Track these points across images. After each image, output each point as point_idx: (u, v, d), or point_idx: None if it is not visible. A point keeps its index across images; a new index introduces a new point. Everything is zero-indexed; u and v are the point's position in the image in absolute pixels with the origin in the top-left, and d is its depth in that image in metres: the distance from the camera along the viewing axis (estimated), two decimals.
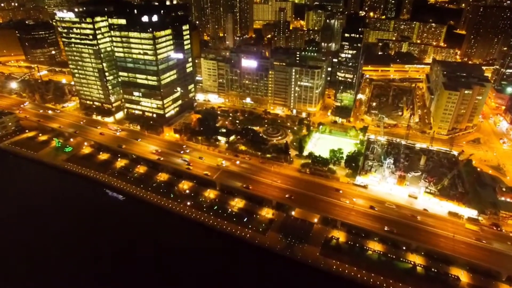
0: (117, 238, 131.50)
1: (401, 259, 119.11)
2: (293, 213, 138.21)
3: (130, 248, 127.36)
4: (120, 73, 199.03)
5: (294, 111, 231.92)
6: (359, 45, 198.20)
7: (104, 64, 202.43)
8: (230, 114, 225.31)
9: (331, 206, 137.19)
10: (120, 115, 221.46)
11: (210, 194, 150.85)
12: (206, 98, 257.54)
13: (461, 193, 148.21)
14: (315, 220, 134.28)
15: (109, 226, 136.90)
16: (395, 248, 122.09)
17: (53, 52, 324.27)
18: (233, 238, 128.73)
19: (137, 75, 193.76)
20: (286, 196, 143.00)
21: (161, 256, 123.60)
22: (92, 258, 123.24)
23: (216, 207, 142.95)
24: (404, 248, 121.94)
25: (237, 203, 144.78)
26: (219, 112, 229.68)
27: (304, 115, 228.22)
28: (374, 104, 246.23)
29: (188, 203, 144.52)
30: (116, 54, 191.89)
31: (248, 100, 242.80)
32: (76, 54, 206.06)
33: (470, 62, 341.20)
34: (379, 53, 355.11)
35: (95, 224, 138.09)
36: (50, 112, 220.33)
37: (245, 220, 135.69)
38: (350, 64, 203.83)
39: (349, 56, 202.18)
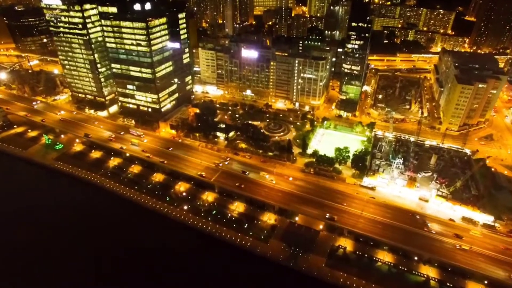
0: (109, 245, 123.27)
1: (413, 271, 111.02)
2: (296, 218, 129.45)
3: (122, 255, 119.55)
4: (113, 65, 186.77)
5: (297, 104, 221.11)
6: (367, 35, 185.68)
7: (96, 55, 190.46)
8: (230, 108, 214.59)
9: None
10: (114, 108, 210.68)
11: (208, 197, 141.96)
12: (205, 90, 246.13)
13: (475, 196, 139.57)
14: (321, 226, 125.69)
15: (100, 231, 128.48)
16: (407, 259, 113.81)
17: (45, 40, 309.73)
18: (233, 246, 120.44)
19: (131, 67, 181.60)
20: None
21: (155, 264, 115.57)
22: (81, 265, 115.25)
23: (214, 211, 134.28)
24: (416, 259, 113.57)
25: (237, 207, 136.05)
26: (217, 105, 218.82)
27: (307, 108, 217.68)
28: (380, 96, 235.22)
29: (185, 207, 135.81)
30: (108, 45, 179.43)
31: (248, 92, 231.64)
32: (65, 45, 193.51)
33: (479, 51, 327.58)
34: (385, 41, 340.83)
35: (85, 230, 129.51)
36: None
37: (245, 226, 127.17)
38: (357, 55, 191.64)
39: (356, 46, 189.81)
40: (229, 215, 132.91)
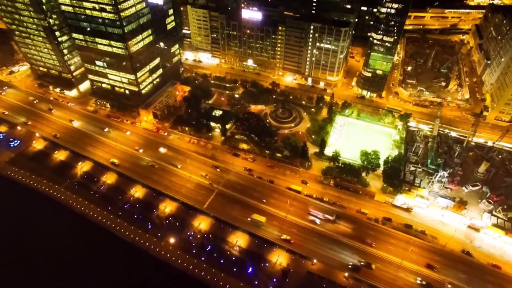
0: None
1: None
2: (315, 261, 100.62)
3: None
4: (74, 35, 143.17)
5: (310, 80, 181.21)
6: None
7: (51, 21, 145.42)
8: (227, 85, 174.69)
9: None
10: (86, 85, 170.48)
11: (201, 223, 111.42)
12: (197, 57, 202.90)
13: None
14: (346, 274, 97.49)
15: (62, 267, 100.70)
16: None
17: None
18: None
19: (97, 39, 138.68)
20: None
21: None
22: None
23: (209, 247, 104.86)
24: None
25: (238, 241, 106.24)
26: (212, 81, 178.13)
27: (322, 85, 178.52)
28: (409, 68, 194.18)
29: (172, 240, 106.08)
30: (63, 8, 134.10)
31: (250, 62, 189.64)
32: (8, 4, 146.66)
33: None
34: None
35: (45, 263, 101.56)
36: None
37: (249, 271, 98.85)
38: (392, 22, 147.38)
39: (393, 11, 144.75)
40: (228, 252, 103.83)
